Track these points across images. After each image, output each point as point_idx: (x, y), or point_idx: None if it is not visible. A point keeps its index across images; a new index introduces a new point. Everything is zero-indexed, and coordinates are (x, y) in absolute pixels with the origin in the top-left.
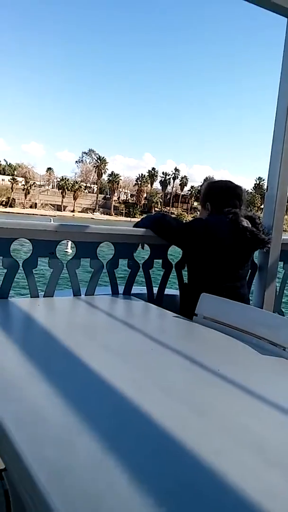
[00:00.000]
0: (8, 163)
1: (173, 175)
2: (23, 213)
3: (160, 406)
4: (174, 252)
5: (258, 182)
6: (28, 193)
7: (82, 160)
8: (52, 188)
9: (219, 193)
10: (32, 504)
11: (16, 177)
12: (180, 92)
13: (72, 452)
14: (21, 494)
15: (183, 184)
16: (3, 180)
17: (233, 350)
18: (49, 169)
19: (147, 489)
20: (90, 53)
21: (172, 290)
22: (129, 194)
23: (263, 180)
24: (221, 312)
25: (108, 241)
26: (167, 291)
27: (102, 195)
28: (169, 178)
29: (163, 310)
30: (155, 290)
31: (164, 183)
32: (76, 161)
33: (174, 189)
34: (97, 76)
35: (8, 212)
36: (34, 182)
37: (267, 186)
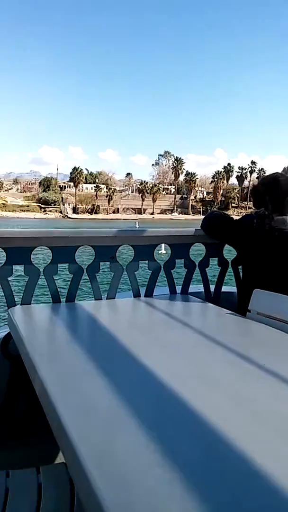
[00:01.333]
0: (89, 172)
1: (249, 169)
2: (107, 219)
3: (204, 398)
4: (231, 249)
5: None
6: (111, 199)
7: (158, 163)
8: (132, 192)
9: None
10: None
11: (99, 185)
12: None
13: (117, 438)
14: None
15: (260, 177)
16: (86, 188)
17: (283, 345)
18: (128, 174)
19: (189, 478)
20: (156, 59)
21: (229, 287)
22: (205, 192)
23: None
24: (274, 307)
25: (164, 243)
26: (225, 288)
27: (179, 195)
28: (246, 172)
29: (219, 308)
30: (212, 288)
31: (240, 178)
32: (152, 164)
33: (251, 183)
34: (161, 78)
35: (94, 219)
36: (115, 188)
37: None
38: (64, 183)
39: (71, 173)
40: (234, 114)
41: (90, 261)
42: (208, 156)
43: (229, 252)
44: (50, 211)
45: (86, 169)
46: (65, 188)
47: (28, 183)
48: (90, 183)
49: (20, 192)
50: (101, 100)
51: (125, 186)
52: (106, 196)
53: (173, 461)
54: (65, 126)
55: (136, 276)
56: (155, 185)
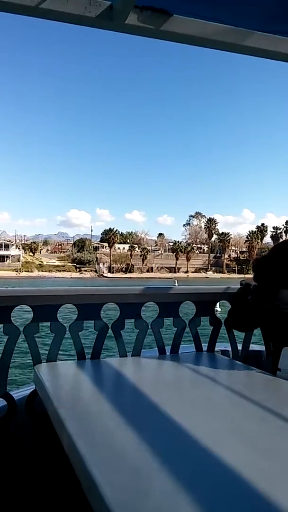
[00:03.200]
0: (120, 232)
1: (284, 229)
2: (142, 277)
3: (236, 453)
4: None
5: None
6: (145, 258)
7: (189, 223)
8: (164, 251)
9: None
10: None
11: (133, 245)
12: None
13: (148, 493)
14: None
15: None
16: (118, 248)
17: None
18: (160, 234)
19: None
20: (184, 120)
21: (257, 345)
22: (239, 251)
23: None
24: None
25: (189, 300)
26: (253, 346)
27: (213, 254)
28: (281, 232)
29: (246, 366)
30: (240, 346)
31: (275, 237)
32: (184, 224)
33: None
34: (187, 139)
35: (129, 278)
36: (145, 248)
37: None
38: (97, 243)
39: (102, 233)
40: (260, 173)
41: (115, 318)
42: (234, 216)
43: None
44: (86, 270)
45: (117, 230)
46: (98, 248)
47: (57, 244)
48: (121, 243)
49: (50, 253)
50: (127, 162)
51: (156, 245)
52: (140, 256)
53: None
54: (93, 189)
55: (162, 333)
56: (188, 244)
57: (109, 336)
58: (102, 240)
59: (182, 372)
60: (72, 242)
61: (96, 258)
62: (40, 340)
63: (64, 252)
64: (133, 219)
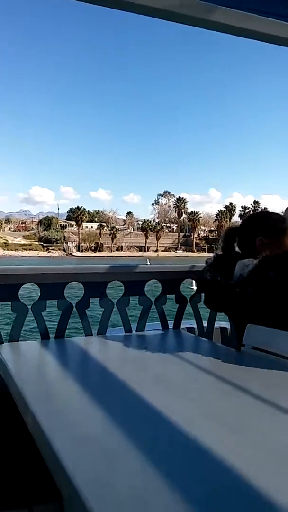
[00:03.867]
0: (87, 211)
1: (253, 208)
2: (112, 256)
3: (201, 428)
4: None
5: None
6: (115, 237)
7: (158, 202)
8: (133, 230)
9: None
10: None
11: (102, 223)
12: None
13: (115, 470)
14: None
15: None
16: (86, 227)
17: (276, 377)
18: (129, 213)
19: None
20: (149, 97)
21: (223, 322)
22: (208, 230)
23: None
24: (267, 342)
25: (155, 279)
26: (218, 323)
27: (182, 233)
28: (249, 211)
29: (212, 342)
30: (205, 323)
31: (243, 217)
32: (152, 203)
33: None
34: (153, 118)
35: (99, 256)
36: (115, 227)
37: None
38: (64, 222)
39: (68, 212)
40: (228, 154)
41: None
42: (201, 195)
43: None
44: (54, 249)
45: (81, 207)
46: (65, 227)
47: (20, 222)
48: (88, 221)
49: (14, 231)
50: (92, 138)
51: (125, 224)
52: (110, 234)
53: (174, 492)
54: (56, 167)
55: (127, 312)
56: (158, 223)
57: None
58: (68, 219)
59: (148, 350)
60: (37, 220)
61: (64, 236)
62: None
63: (28, 230)
64: (98, 197)
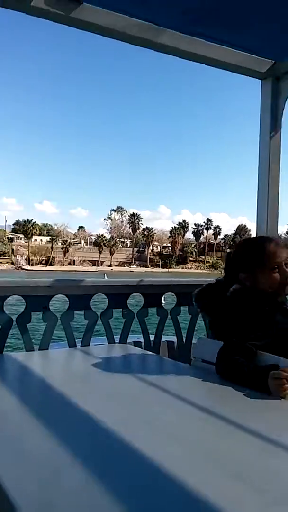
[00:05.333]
0: (35, 223)
1: (205, 226)
2: (65, 270)
3: (143, 438)
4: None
5: None
6: (67, 251)
7: (110, 217)
8: (86, 245)
9: None
10: None
11: (54, 237)
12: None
13: (55, 486)
14: None
15: (216, 234)
16: (41, 240)
17: (223, 389)
18: (81, 227)
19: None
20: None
21: (169, 336)
22: (162, 246)
23: None
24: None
25: (101, 293)
26: (165, 337)
27: (136, 249)
28: (202, 229)
29: (159, 356)
30: (152, 337)
31: (197, 234)
32: (105, 218)
33: (207, 238)
34: (96, 134)
35: (52, 270)
36: (67, 240)
37: (256, 232)
38: (12, 234)
39: (14, 224)
40: (176, 172)
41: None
42: (151, 211)
43: (169, 304)
44: (1, 262)
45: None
46: (13, 239)
47: None
48: (39, 234)
49: None
50: (35, 149)
51: (75, 238)
52: (62, 248)
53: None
54: None
55: (71, 326)
56: (112, 238)
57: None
58: (14, 231)
59: (93, 364)
60: None
61: (12, 249)
62: None
63: None
64: (44, 210)
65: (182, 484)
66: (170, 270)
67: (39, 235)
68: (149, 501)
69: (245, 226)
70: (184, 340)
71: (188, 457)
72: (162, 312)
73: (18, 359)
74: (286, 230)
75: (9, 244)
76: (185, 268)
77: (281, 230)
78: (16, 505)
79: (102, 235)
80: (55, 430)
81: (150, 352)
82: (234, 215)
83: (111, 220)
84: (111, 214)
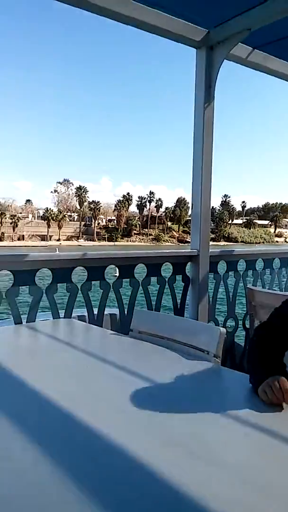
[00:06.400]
0: None
1: (148, 199)
2: (14, 246)
3: (88, 409)
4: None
5: (224, 200)
6: (16, 226)
7: (57, 190)
8: (34, 219)
9: None
10: None
11: (3, 212)
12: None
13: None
14: None
15: (158, 207)
16: None
17: (159, 358)
18: (28, 201)
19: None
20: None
21: (113, 309)
22: (108, 220)
23: (229, 197)
24: (153, 325)
25: (45, 267)
26: (108, 310)
27: (83, 222)
28: (145, 202)
29: (102, 329)
30: (96, 311)
31: (140, 207)
32: (51, 191)
33: (150, 211)
34: (38, 101)
35: (1, 246)
36: (16, 215)
37: (191, 204)
38: None
39: None
40: (118, 144)
41: None
42: (94, 183)
43: (111, 275)
44: None
45: None
46: None
47: None
48: None
49: None
50: None
51: (21, 212)
52: (11, 223)
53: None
54: None
55: (17, 302)
56: (60, 212)
57: None
58: None
59: (38, 340)
60: None
61: None
62: None
63: None
64: None
65: (124, 452)
66: (116, 243)
67: None
68: (93, 470)
69: (184, 199)
70: (126, 312)
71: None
72: (105, 285)
73: None
74: (220, 202)
75: None
76: (130, 241)
77: (215, 203)
78: None
79: (50, 209)
80: (1, 406)
81: (93, 326)
82: (172, 187)
83: (58, 193)
84: (57, 187)
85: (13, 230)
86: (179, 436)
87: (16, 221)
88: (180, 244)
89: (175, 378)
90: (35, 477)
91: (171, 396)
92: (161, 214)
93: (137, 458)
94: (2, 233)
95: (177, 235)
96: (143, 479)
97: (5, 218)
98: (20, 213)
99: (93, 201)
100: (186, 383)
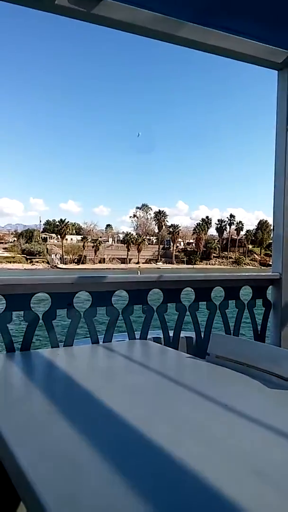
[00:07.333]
0: (68, 222)
1: (228, 222)
2: (96, 269)
3: (168, 437)
4: (188, 292)
5: None
6: (97, 249)
7: (136, 215)
8: (114, 242)
9: None
10: None
11: (85, 236)
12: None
13: (81, 484)
14: None
15: (239, 229)
16: (71, 239)
17: (239, 384)
18: (108, 225)
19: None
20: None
21: (188, 332)
22: (186, 243)
23: None
24: (231, 350)
25: (122, 289)
26: (184, 333)
27: (162, 246)
28: (225, 225)
29: (178, 352)
30: (171, 333)
31: (220, 230)
32: (130, 216)
33: (229, 234)
34: (110, 135)
35: (84, 269)
36: (97, 239)
37: (273, 226)
38: (45, 234)
39: (45, 224)
40: (193, 168)
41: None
42: (169, 208)
43: (187, 296)
44: (37, 261)
45: (68, 221)
46: (47, 239)
47: None
48: (71, 234)
49: None
50: (63, 153)
51: (101, 236)
52: (93, 247)
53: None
54: (25, 178)
55: (95, 323)
56: (139, 236)
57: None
58: (44, 231)
59: (115, 360)
60: (7, 232)
61: (47, 249)
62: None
63: (5, 242)
64: (68, 209)
65: (204, 481)
66: (195, 266)
67: (69, 234)
68: (170, 499)
69: (266, 221)
70: (202, 336)
71: (209, 454)
72: (181, 307)
73: (44, 355)
74: None
75: (44, 244)
76: (209, 264)
77: None
78: (43, 501)
79: (129, 233)
80: (78, 425)
81: (169, 348)
82: (250, 209)
83: (137, 217)
84: (136, 212)
85: (95, 254)
86: (268, 466)
87: (98, 244)
88: (262, 267)
89: (259, 407)
90: (111, 499)
91: (255, 427)
92: (242, 237)
93: (220, 487)
94: (85, 256)
95: (259, 258)
96: None
97: (87, 242)
98: (101, 237)
99: (172, 224)
100: (270, 414)
